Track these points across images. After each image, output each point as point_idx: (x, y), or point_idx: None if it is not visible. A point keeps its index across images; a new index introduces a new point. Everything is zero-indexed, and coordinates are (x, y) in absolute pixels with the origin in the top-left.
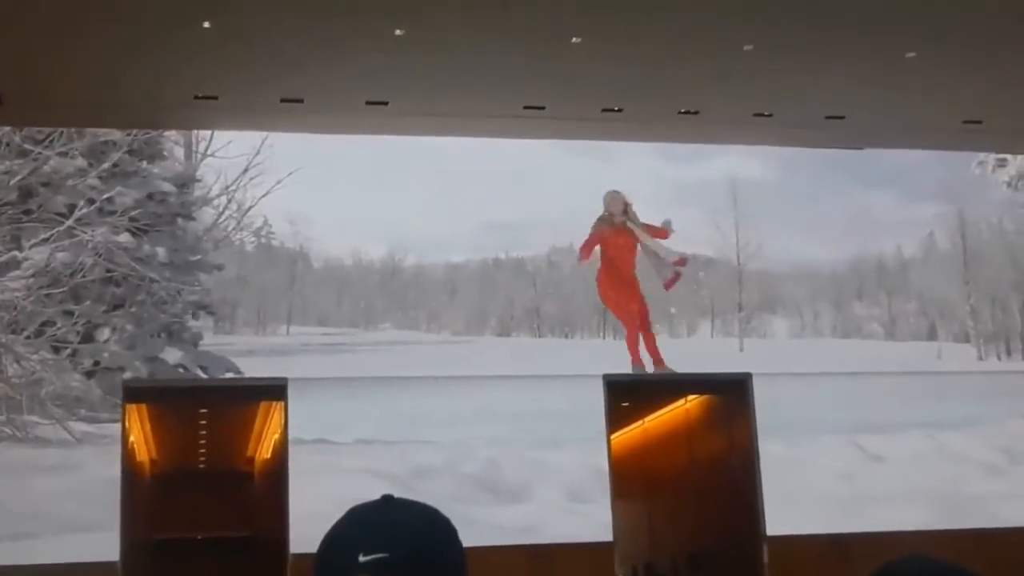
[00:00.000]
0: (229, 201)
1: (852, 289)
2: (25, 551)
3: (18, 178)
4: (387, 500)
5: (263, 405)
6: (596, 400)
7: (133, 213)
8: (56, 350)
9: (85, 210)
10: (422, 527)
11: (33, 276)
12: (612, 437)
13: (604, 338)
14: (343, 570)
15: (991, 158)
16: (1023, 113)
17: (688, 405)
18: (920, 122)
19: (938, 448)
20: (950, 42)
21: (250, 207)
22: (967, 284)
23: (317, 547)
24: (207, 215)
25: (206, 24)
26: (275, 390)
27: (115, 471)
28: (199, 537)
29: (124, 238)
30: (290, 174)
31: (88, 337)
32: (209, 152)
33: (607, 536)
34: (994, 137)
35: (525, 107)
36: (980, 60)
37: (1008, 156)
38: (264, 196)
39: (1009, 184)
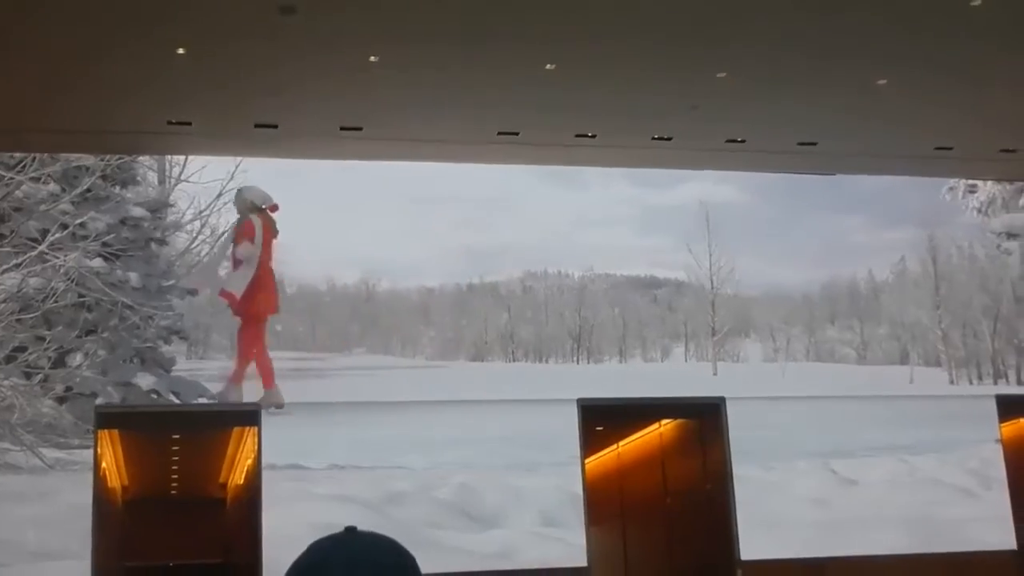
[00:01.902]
0: (202, 226)
1: (825, 313)
2: None
3: None
4: (349, 532)
5: (236, 431)
6: (569, 425)
7: (106, 238)
8: (28, 376)
9: (57, 235)
10: (385, 559)
11: (4, 301)
12: (586, 461)
13: (578, 363)
14: None
15: (961, 184)
16: (993, 140)
17: (662, 429)
18: (891, 148)
19: (910, 472)
20: (921, 70)
21: (223, 232)
22: (938, 309)
23: None
24: (180, 240)
25: (180, 51)
26: (248, 416)
27: (86, 498)
28: (171, 564)
29: (97, 263)
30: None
31: (60, 362)
32: (183, 177)
33: (581, 561)
34: (964, 163)
35: (499, 133)
36: (950, 88)
37: (978, 182)
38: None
39: (979, 210)
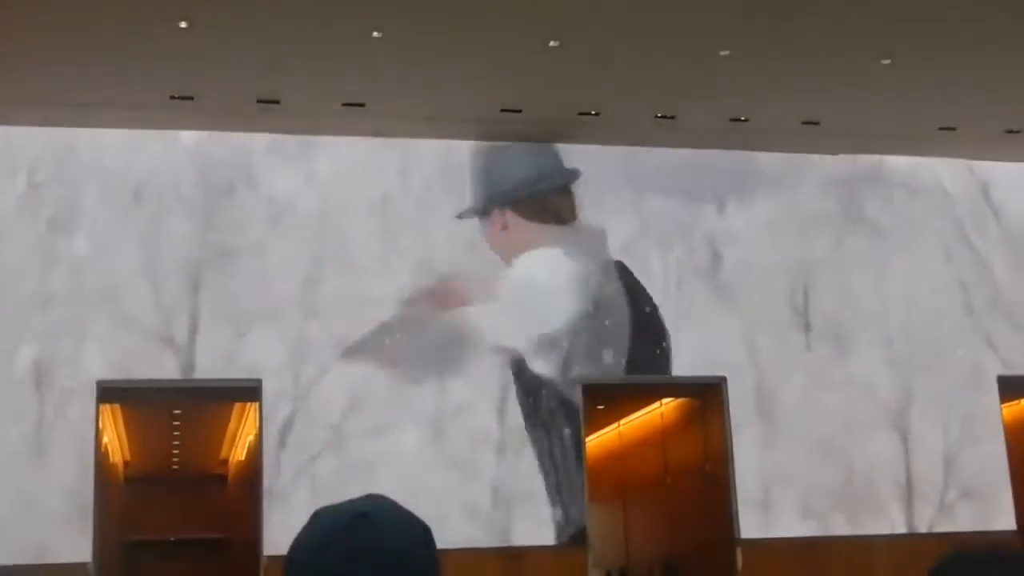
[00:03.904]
0: None
1: None
2: None
3: None
4: (361, 519)
5: (238, 406)
6: None
7: None
8: None
9: None
10: (399, 531)
11: None
12: (587, 440)
13: None
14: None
15: None
16: (997, 121)
17: (663, 409)
18: (895, 128)
19: None
20: (925, 49)
21: None
22: None
23: (287, 551)
24: None
25: (183, 24)
26: (250, 391)
27: None
28: (172, 539)
29: None
30: None
31: None
32: None
33: (581, 539)
34: (968, 144)
35: (502, 110)
36: (954, 68)
37: None
38: None
39: None
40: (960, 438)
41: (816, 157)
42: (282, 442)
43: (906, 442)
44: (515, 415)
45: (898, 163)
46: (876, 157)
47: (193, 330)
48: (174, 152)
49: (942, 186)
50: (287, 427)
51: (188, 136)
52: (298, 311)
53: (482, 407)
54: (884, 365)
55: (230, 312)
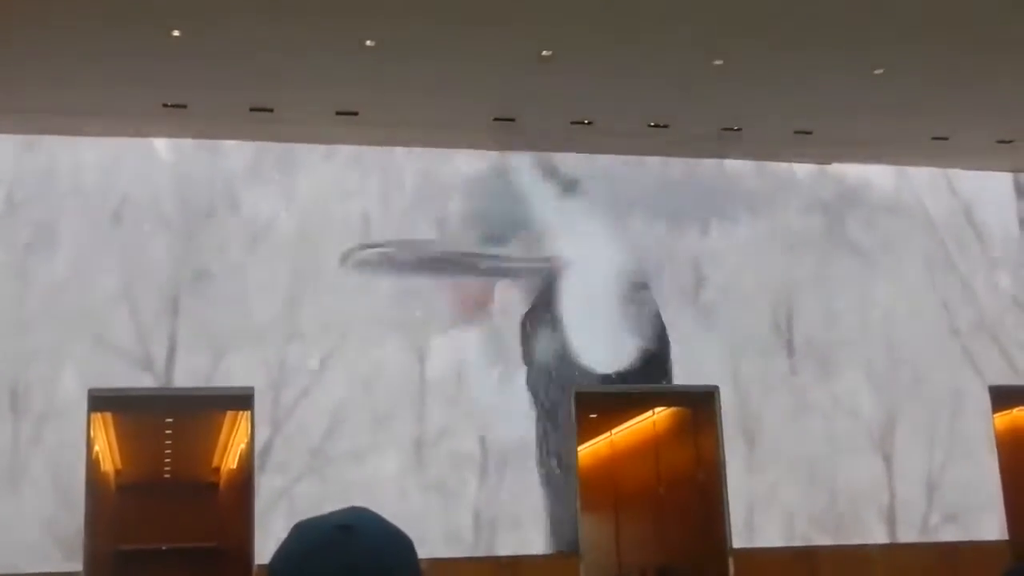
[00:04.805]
0: None
1: None
2: None
3: None
4: (344, 531)
5: (230, 415)
6: None
7: None
8: None
9: None
10: (383, 544)
11: None
12: (580, 449)
13: None
14: None
15: None
16: (989, 130)
17: (656, 418)
18: (887, 138)
19: None
20: (918, 59)
21: None
22: None
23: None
24: None
25: (176, 32)
26: (242, 400)
27: None
28: (164, 548)
29: None
30: None
31: None
32: None
33: (574, 547)
34: (961, 153)
35: (495, 119)
36: (947, 78)
37: None
38: None
39: None
40: (944, 459)
41: (800, 177)
42: (262, 466)
43: (890, 464)
44: (503, 429)
45: (881, 184)
46: (861, 178)
47: (172, 352)
48: (154, 172)
49: (924, 207)
50: (266, 449)
51: (168, 156)
52: (277, 333)
53: (467, 423)
54: (868, 387)
55: (209, 334)
